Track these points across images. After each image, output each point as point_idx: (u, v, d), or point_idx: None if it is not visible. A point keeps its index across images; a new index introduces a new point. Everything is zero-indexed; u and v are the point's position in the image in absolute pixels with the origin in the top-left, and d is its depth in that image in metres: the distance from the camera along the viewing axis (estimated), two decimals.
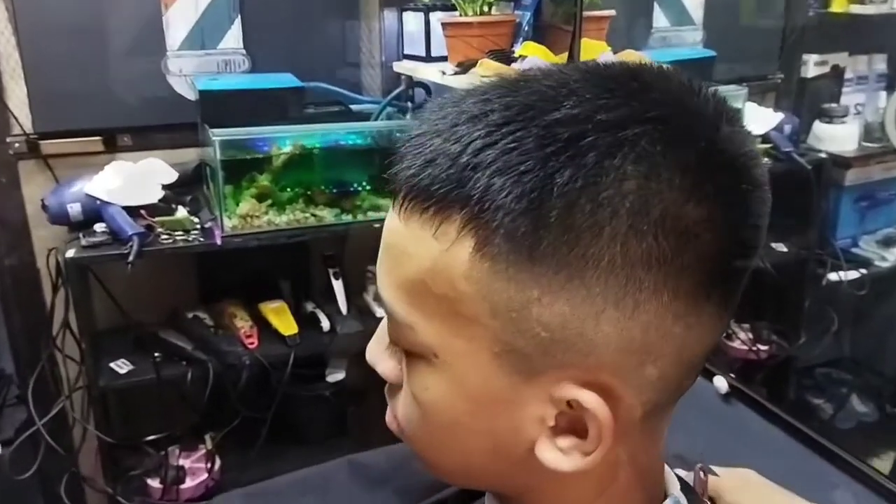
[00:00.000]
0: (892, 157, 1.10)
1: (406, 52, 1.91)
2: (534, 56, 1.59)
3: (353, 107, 1.96)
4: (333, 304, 1.91)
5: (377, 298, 0.49)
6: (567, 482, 0.46)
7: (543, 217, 0.39)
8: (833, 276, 1.14)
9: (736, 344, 1.25)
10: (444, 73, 1.64)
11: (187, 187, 1.82)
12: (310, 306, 1.94)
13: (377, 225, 1.91)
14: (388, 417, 0.52)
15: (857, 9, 1.06)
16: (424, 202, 0.41)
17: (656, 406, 0.45)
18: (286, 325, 1.85)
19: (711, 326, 0.44)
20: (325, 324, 1.88)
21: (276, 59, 1.89)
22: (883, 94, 1.08)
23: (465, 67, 1.62)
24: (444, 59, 1.74)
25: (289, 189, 1.76)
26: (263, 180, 1.73)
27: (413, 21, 1.87)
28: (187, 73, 1.87)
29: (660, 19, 1.50)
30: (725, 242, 0.41)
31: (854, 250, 1.14)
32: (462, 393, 0.44)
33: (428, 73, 1.75)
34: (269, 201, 1.74)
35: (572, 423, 0.43)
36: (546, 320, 0.40)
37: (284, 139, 1.73)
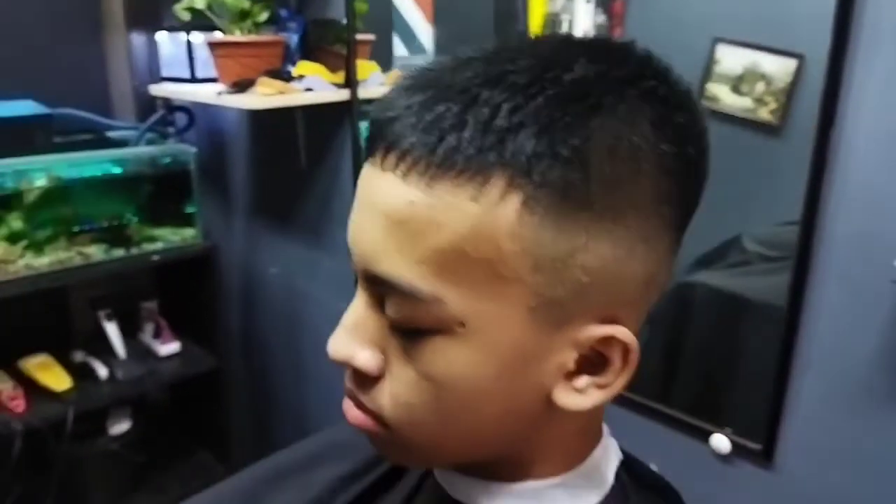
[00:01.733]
0: None
1: (164, 74, 1.76)
2: (314, 74, 1.55)
3: (109, 133, 1.75)
4: (107, 349, 1.72)
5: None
6: (562, 422, 0.47)
7: (588, 167, 0.40)
8: None
9: None
10: (219, 93, 1.52)
11: None
12: (79, 355, 1.72)
13: (155, 258, 1.77)
14: (356, 416, 0.48)
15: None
16: (457, 168, 0.39)
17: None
18: (56, 380, 1.63)
19: (669, 272, 0.47)
20: (103, 371, 1.68)
21: (11, 83, 1.60)
22: None
23: (241, 87, 1.52)
24: (212, 80, 1.65)
25: (47, 227, 1.54)
26: (15, 219, 1.51)
27: (170, 42, 1.75)
28: None
29: (399, 48, 1.57)
30: (700, 179, 0.46)
31: None
32: (490, 358, 0.43)
33: (199, 94, 1.63)
34: (25, 242, 1.53)
35: (586, 365, 0.44)
36: (589, 265, 0.41)
37: (35, 172, 1.51)
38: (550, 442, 0.49)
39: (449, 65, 0.43)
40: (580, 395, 0.44)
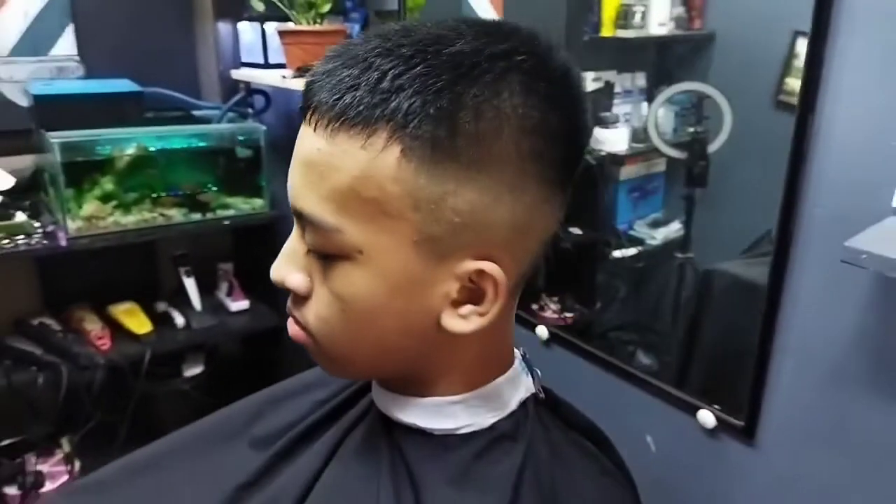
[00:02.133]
0: (654, 155, 1.18)
1: (244, 59, 1.86)
2: None
3: (195, 112, 1.89)
4: (186, 302, 1.86)
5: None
6: (458, 347, 0.54)
7: (457, 124, 0.46)
8: (617, 254, 1.26)
9: (548, 313, 1.34)
10: (284, 77, 1.65)
11: (26, 193, 1.71)
12: (162, 306, 1.87)
13: (226, 223, 1.89)
14: (293, 330, 0.56)
15: (621, 33, 1.21)
16: (352, 120, 0.46)
17: (521, 277, 0.54)
18: (139, 324, 1.78)
19: (558, 214, 0.54)
20: (180, 320, 1.82)
21: (112, 65, 1.80)
22: (644, 104, 1.22)
23: (303, 71, 1.63)
24: (281, 65, 1.70)
25: (135, 190, 1.68)
26: (107, 182, 1.65)
27: (249, 31, 1.82)
28: (19, 80, 1.74)
29: None
30: (572, 144, 0.52)
31: (631, 232, 1.25)
32: (384, 281, 0.50)
33: (267, 78, 1.71)
34: (115, 202, 1.67)
35: (469, 295, 0.51)
36: (459, 208, 0.47)
37: (126, 142, 1.65)
38: (450, 364, 0.56)
39: (361, 40, 0.49)
40: (463, 320, 0.51)
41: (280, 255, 0.55)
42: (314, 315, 0.53)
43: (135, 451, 0.74)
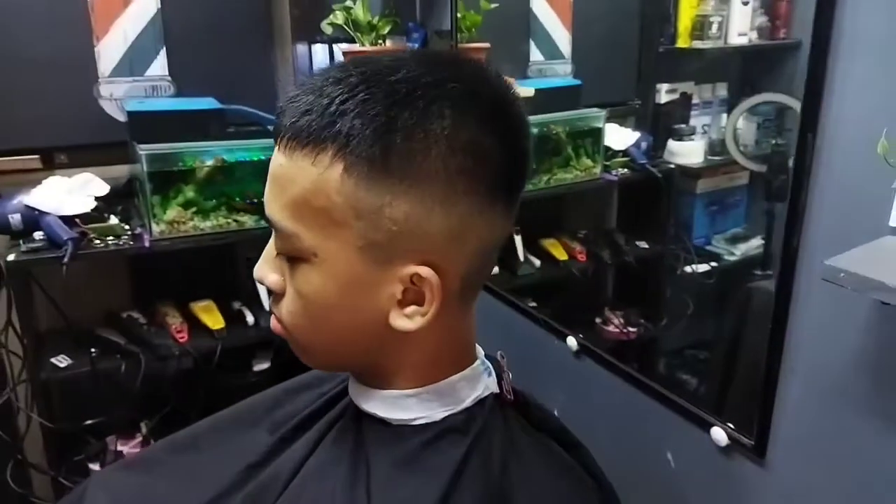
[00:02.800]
0: (735, 168, 1.11)
1: None
2: None
3: (271, 127, 1.99)
4: (258, 302, 1.85)
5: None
6: (411, 345, 0.56)
7: (390, 144, 0.49)
8: (688, 269, 1.21)
9: (610, 328, 1.28)
10: None
11: (120, 199, 1.76)
12: (236, 304, 1.85)
13: None
14: (273, 323, 0.59)
15: (698, 44, 1.17)
16: (304, 140, 0.50)
17: (468, 283, 0.56)
18: (214, 320, 1.77)
19: (500, 224, 0.56)
20: (251, 318, 1.81)
21: (199, 84, 1.82)
22: (724, 115, 1.17)
23: None
24: None
25: (212, 198, 1.69)
26: (188, 190, 1.66)
27: (321, 52, 1.79)
28: (118, 98, 1.79)
29: (535, 54, 1.49)
30: (506, 162, 0.54)
31: (708, 247, 1.20)
32: (336, 281, 0.53)
33: None
34: (195, 209, 1.67)
35: (414, 297, 0.53)
36: (395, 217, 0.50)
37: (206, 154, 1.66)
38: (404, 360, 0.58)
39: (322, 71, 0.54)
40: (408, 319, 0.54)
41: (261, 258, 0.59)
42: (286, 310, 0.57)
43: (178, 432, 0.78)
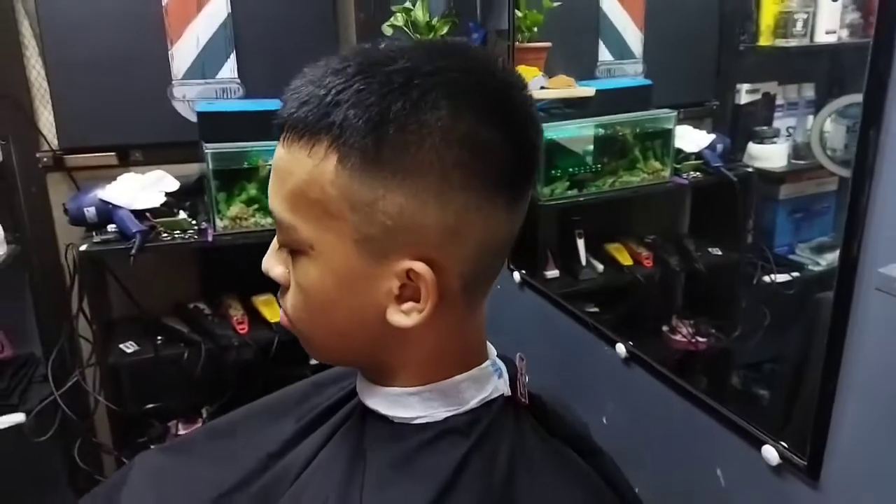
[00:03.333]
0: (820, 173, 1.03)
1: None
2: None
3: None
4: None
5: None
6: (411, 342, 0.53)
7: (383, 135, 0.46)
8: (766, 279, 1.13)
9: (678, 337, 1.18)
10: None
11: (190, 196, 1.75)
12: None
13: None
14: (281, 315, 0.57)
15: (781, 42, 1.09)
16: (300, 132, 0.48)
17: (471, 280, 0.52)
18: (273, 313, 1.71)
19: (503, 221, 0.52)
20: None
21: (267, 86, 1.79)
22: (811, 118, 1.09)
23: None
24: None
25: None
26: (251, 188, 1.62)
27: None
28: (190, 99, 1.78)
29: (604, 53, 1.39)
30: (509, 157, 0.50)
31: (791, 256, 1.13)
32: (332, 275, 0.50)
33: None
34: (257, 206, 1.63)
35: (411, 293, 0.50)
36: (389, 211, 0.48)
37: (269, 153, 1.42)
38: (406, 357, 0.55)
39: (324, 62, 0.50)
40: (405, 316, 0.51)
41: (268, 251, 0.56)
42: (290, 303, 0.55)
43: (219, 418, 0.76)
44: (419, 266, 0.49)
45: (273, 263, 0.56)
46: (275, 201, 0.52)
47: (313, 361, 1.82)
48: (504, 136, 0.49)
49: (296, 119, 0.49)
